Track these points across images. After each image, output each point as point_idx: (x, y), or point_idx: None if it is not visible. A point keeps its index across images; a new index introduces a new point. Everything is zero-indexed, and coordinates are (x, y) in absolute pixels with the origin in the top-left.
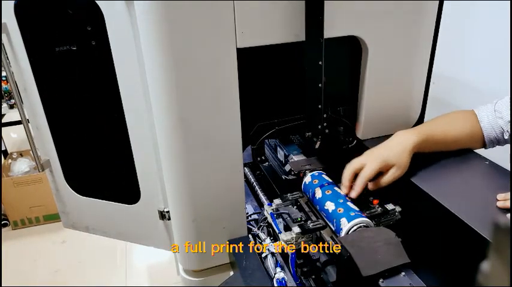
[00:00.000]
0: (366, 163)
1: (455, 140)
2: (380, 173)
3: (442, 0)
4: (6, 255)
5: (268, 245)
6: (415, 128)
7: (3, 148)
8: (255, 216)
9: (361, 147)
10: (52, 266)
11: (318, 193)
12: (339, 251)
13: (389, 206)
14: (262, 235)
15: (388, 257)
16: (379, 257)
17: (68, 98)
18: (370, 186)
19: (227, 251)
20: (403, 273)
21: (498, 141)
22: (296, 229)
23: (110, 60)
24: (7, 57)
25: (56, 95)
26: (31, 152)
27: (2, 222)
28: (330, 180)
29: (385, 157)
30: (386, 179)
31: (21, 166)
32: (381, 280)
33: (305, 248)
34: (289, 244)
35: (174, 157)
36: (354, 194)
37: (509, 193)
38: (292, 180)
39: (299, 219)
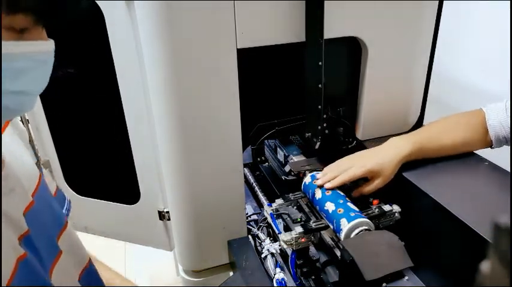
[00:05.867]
0: (352, 166)
1: (454, 146)
2: (365, 179)
3: (442, 0)
4: None
5: (268, 246)
6: (412, 135)
7: None
8: (255, 216)
9: (361, 147)
10: None
11: (318, 194)
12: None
13: (387, 207)
14: (262, 236)
15: (391, 261)
16: (382, 261)
17: (67, 98)
18: (354, 193)
19: (227, 251)
20: (406, 277)
21: (507, 141)
22: (298, 229)
23: (110, 60)
24: None
25: (55, 95)
26: None
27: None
28: None
29: (372, 167)
30: (369, 188)
31: None
32: (384, 284)
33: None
34: (289, 244)
35: (174, 157)
36: (329, 185)
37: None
38: (291, 180)
39: (299, 219)
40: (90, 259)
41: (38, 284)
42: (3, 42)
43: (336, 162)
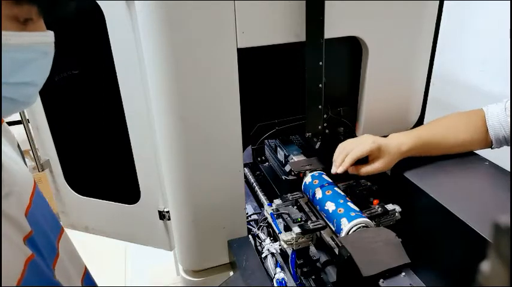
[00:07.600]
0: (359, 144)
1: (455, 145)
2: (365, 161)
3: (442, 0)
4: None
5: (268, 245)
6: (413, 132)
7: None
8: (255, 216)
9: None
10: None
11: (318, 193)
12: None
13: (389, 206)
14: (262, 235)
15: (389, 257)
16: (380, 258)
17: (68, 98)
18: (351, 170)
19: (227, 251)
20: (403, 273)
21: (506, 141)
22: (296, 229)
23: (110, 60)
24: None
25: (56, 95)
26: (31, 152)
27: None
28: (330, 180)
29: (380, 144)
30: (368, 169)
31: None
32: (381, 280)
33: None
34: (289, 244)
35: (174, 157)
36: (340, 169)
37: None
38: (292, 180)
39: (299, 219)
40: (85, 266)
41: (46, 284)
42: (6, 33)
43: (341, 145)
